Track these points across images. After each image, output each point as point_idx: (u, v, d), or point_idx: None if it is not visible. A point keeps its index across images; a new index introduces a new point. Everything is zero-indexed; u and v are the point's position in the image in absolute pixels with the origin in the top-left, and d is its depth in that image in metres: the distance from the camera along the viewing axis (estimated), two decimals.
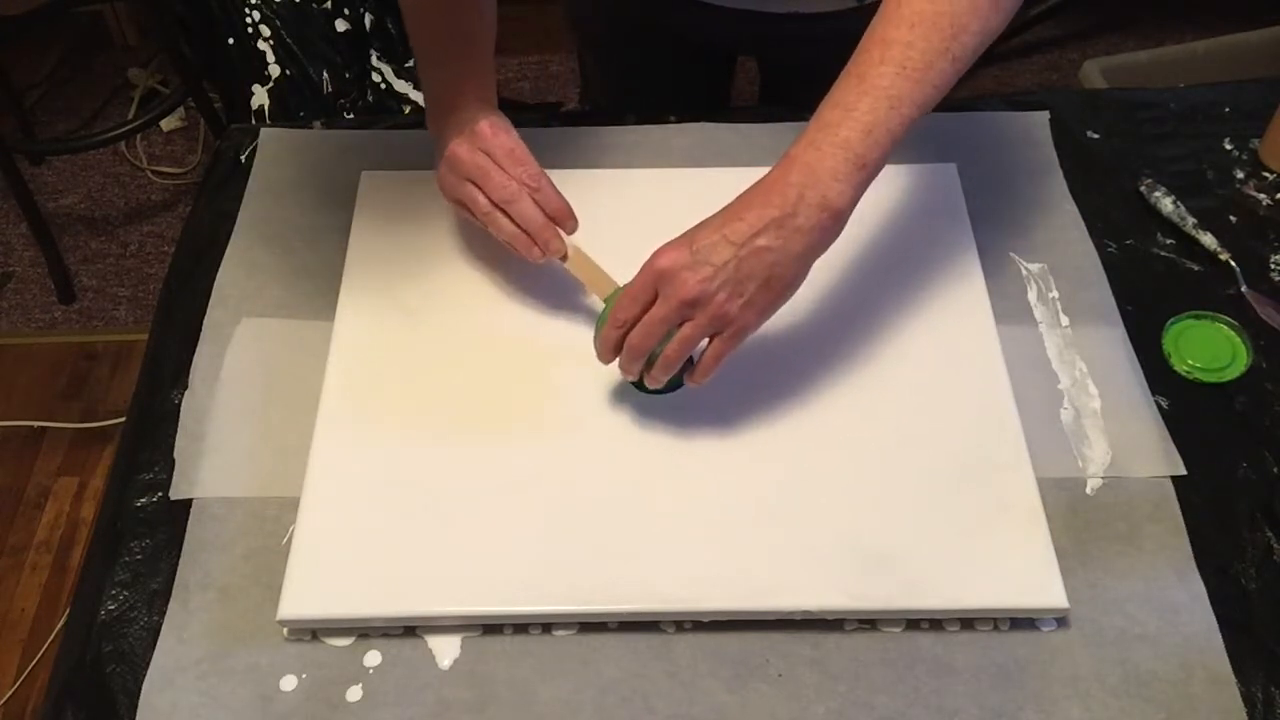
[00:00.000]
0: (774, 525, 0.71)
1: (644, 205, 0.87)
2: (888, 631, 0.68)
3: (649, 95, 1.12)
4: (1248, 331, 0.81)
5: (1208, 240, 0.87)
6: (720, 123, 0.96)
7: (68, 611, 0.75)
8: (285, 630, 0.68)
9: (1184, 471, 0.75)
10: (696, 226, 0.67)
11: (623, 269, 0.76)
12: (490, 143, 0.77)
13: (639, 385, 0.76)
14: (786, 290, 0.68)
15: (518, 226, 0.77)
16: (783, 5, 0.94)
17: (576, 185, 0.80)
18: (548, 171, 0.78)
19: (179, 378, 0.81)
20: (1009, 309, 0.83)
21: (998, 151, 0.94)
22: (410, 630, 0.69)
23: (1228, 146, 0.96)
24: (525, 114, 0.85)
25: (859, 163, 0.65)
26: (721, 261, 0.65)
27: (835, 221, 0.66)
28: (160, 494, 0.75)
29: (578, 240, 0.78)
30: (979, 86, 2.07)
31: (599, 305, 0.80)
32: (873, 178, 0.67)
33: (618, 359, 0.71)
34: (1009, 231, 0.88)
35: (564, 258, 0.78)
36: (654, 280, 0.67)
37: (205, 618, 0.69)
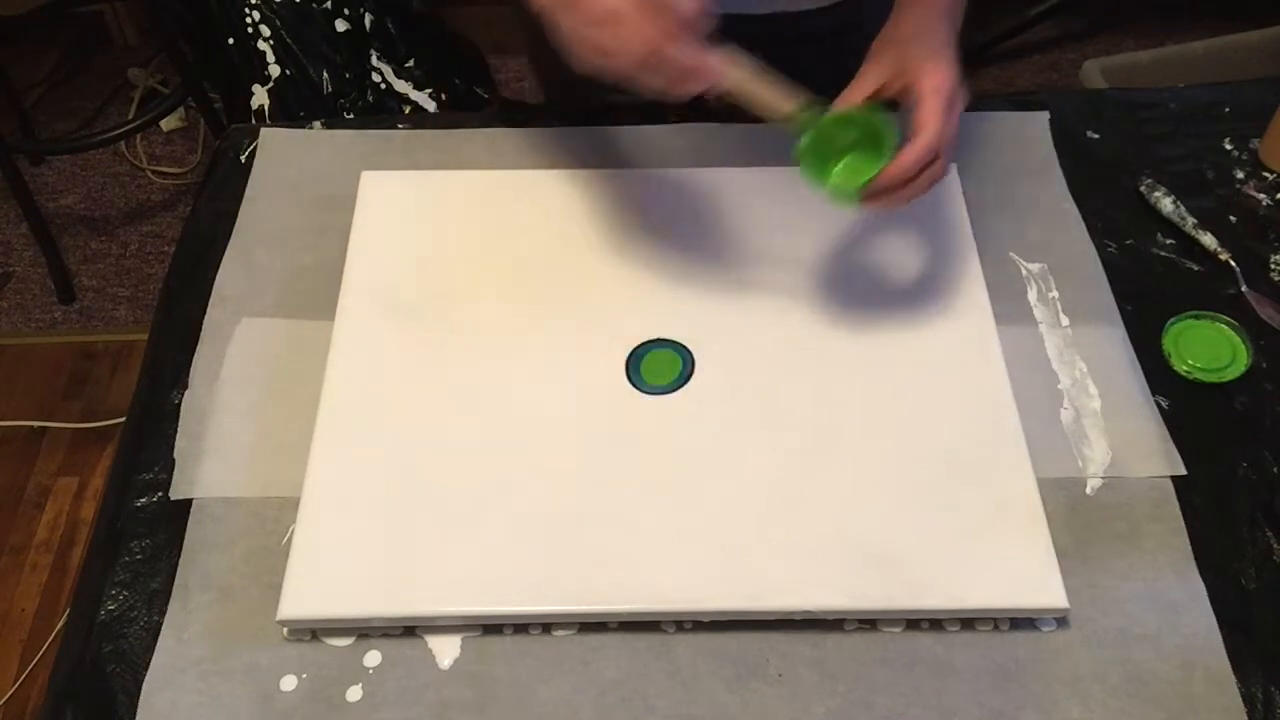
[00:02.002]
0: (774, 525, 0.70)
1: (644, 205, 0.87)
2: (888, 631, 0.68)
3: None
4: (1248, 331, 0.81)
5: (1208, 240, 0.87)
6: (720, 123, 0.96)
7: (68, 611, 0.76)
8: (285, 630, 0.68)
9: (1184, 471, 0.75)
10: (918, 45, 0.72)
11: (623, 269, 0.76)
12: None
13: (640, 385, 0.76)
14: None
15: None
16: (766, 6, 0.94)
17: (577, 185, 0.80)
18: (547, 171, 0.77)
19: (179, 378, 0.81)
20: (1009, 309, 0.83)
21: (998, 151, 0.94)
22: (410, 630, 0.69)
23: (1228, 146, 0.95)
24: (526, 114, 0.85)
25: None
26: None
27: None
28: (160, 494, 0.75)
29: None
30: (979, 86, 2.06)
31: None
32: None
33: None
34: (1009, 231, 0.88)
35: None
36: (948, 103, 0.70)
37: (205, 618, 0.69)
